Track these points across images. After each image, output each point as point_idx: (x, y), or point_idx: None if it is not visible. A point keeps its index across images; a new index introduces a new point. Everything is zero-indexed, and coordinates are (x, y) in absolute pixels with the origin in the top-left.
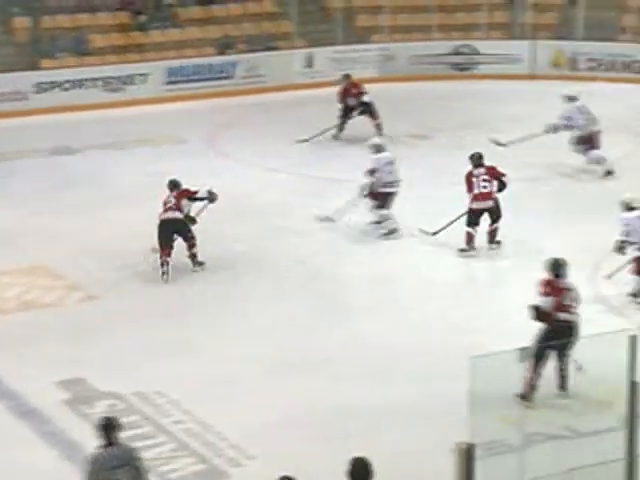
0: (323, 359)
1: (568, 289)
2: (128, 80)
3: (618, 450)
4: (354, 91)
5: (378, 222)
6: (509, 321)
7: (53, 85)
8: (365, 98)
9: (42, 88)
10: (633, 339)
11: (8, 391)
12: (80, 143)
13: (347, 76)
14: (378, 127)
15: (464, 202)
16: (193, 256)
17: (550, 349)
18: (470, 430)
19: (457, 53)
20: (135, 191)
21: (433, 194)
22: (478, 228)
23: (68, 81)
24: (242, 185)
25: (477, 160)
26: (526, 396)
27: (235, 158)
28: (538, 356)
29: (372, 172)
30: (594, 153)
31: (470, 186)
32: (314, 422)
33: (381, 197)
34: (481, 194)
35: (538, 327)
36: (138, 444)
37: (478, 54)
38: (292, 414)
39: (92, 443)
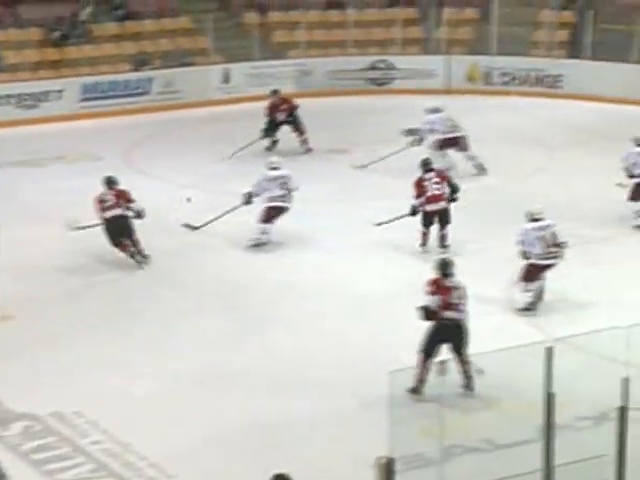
0: (241, 374)
1: (455, 288)
2: (43, 97)
3: (535, 461)
4: (284, 106)
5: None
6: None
7: None
8: (297, 112)
9: None
10: (549, 350)
11: None
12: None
13: (275, 91)
14: (304, 142)
15: (382, 215)
16: (139, 252)
17: (439, 346)
18: (390, 444)
19: (373, 68)
20: (50, 208)
21: (350, 208)
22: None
23: None
24: (159, 201)
25: (426, 165)
26: (416, 390)
27: (151, 175)
28: (426, 353)
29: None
30: (449, 159)
31: (422, 190)
32: (234, 438)
33: (265, 211)
34: (434, 196)
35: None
36: (56, 465)
37: (394, 69)
38: (211, 431)
39: (6, 464)
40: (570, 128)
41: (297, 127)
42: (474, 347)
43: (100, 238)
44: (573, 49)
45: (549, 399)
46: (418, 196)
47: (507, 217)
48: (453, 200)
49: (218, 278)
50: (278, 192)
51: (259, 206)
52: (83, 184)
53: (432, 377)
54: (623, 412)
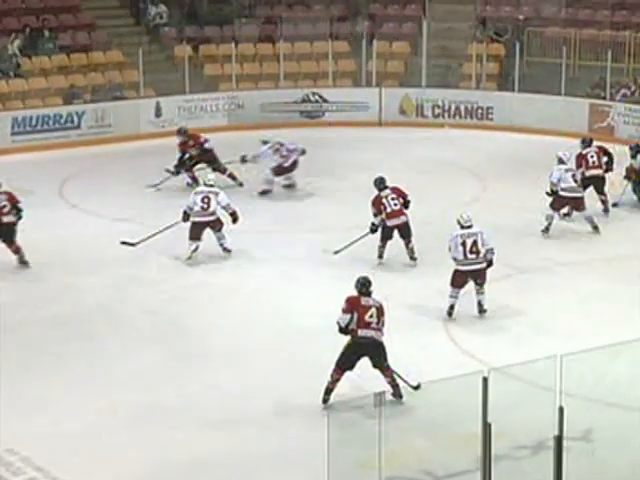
0: (179, 409)
1: (370, 306)
2: None
3: None
4: (192, 142)
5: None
6: (365, 366)
7: None
8: (206, 145)
9: None
10: (485, 380)
11: None
12: None
13: (182, 130)
14: (232, 177)
15: (316, 247)
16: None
17: (356, 361)
18: (329, 476)
19: (306, 101)
20: None
21: (285, 240)
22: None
23: None
24: (92, 236)
25: (381, 184)
26: (325, 400)
27: (84, 209)
28: (342, 367)
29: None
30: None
31: (380, 207)
32: (173, 474)
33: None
34: (394, 212)
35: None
36: None
37: (326, 102)
38: (149, 466)
39: None
40: (501, 159)
41: (213, 164)
42: (413, 376)
43: (26, 273)
44: (502, 81)
45: (486, 429)
46: (377, 213)
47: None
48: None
49: (153, 313)
50: (198, 207)
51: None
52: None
53: (370, 408)
54: (559, 441)
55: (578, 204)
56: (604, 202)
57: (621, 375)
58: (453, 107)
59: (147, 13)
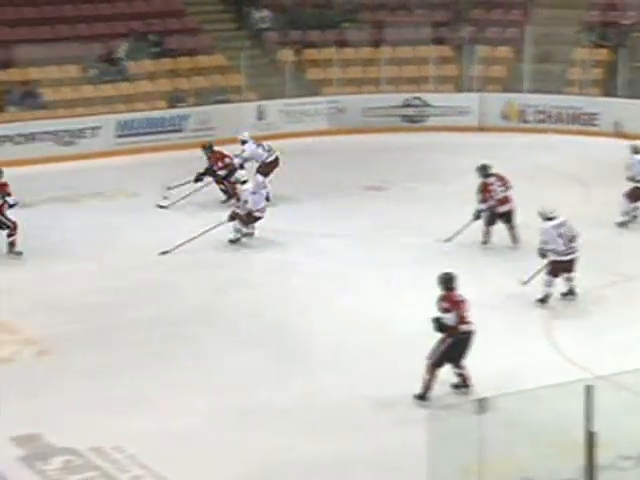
0: (281, 412)
1: (464, 301)
2: (79, 133)
3: None
4: (221, 164)
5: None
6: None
7: (4, 139)
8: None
9: None
10: (589, 389)
11: None
12: (31, 197)
13: (211, 145)
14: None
15: (420, 251)
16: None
17: (456, 357)
18: None
19: (407, 105)
20: (87, 245)
21: (384, 246)
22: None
23: (19, 135)
24: (197, 238)
25: (485, 170)
26: (423, 396)
27: (189, 211)
28: (439, 364)
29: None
30: (258, 178)
31: (489, 194)
32: (274, 477)
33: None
34: (503, 198)
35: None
36: None
37: (428, 106)
38: (251, 469)
39: None
40: (606, 165)
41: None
42: (514, 386)
43: (129, 274)
44: (607, 87)
45: (590, 438)
46: (485, 200)
47: None
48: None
49: (257, 316)
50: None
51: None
52: (119, 221)
53: (472, 414)
54: None
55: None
56: None
57: None
58: (556, 113)
59: (251, 17)
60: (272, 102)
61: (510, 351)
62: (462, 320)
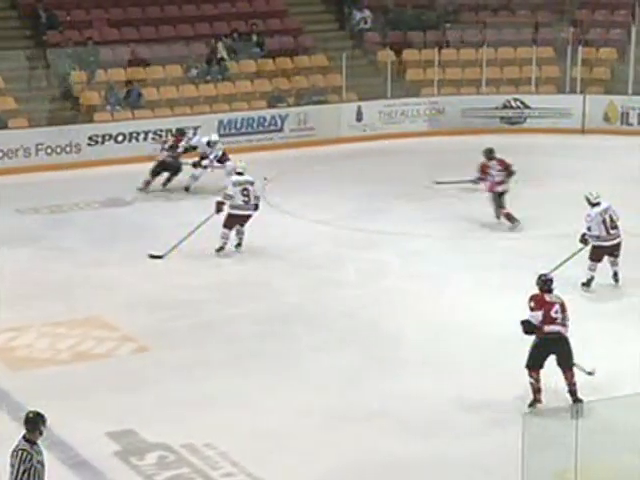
0: (373, 412)
1: (554, 302)
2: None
3: None
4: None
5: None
6: (561, 377)
7: (106, 138)
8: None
9: (95, 140)
10: None
11: (59, 442)
12: (132, 195)
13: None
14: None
15: (519, 256)
16: None
17: (545, 358)
18: None
19: (507, 107)
20: (187, 242)
21: (479, 248)
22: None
23: (121, 134)
24: (291, 237)
25: (490, 154)
26: (535, 402)
27: (284, 210)
28: (533, 366)
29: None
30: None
31: (486, 174)
32: (365, 477)
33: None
34: (502, 180)
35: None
36: None
37: (528, 108)
38: (342, 468)
39: None
40: None
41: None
42: (610, 391)
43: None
44: None
45: None
46: (481, 179)
47: None
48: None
49: (349, 316)
50: (240, 200)
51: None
52: (217, 218)
53: (568, 419)
54: None
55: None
56: None
57: None
58: None
59: (352, 18)
60: (372, 103)
61: (607, 356)
62: (547, 320)
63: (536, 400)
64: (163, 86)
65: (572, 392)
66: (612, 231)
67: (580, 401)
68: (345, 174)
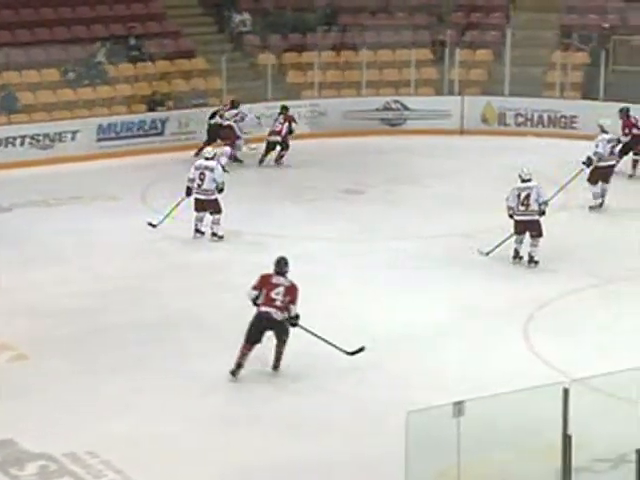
0: (260, 416)
1: (279, 285)
2: (57, 137)
3: None
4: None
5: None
6: (444, 375)
7: None
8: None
9: None
10: (566, 392)
11: None
12: (10, 201)
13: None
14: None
15: (403, 256)
16: None
17: (262, 334)
18: None
19: (387, 109)
20: (66, 249)
21: (364, 249)
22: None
23: None
24: (176, 241)
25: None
26: (234, 372)
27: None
28: (247, 340)
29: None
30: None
31: None
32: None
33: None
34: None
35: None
36: None
37: (408, 109)
38: (230, 472)
39: None
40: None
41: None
42: (492, 389)
43: (110, 278)
44: (587, 90)
45: (566, 441)
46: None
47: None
48: None
49: (236, 318)
50: (196, 183)
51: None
52: (100, 225)
53: (449, 418)
54: None
55: (608, 174)
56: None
57: None
58: (536, 116)
59: (231, 21)
60: (252, 106)
61: (487, 354)
62: (266, 300)
63: (234, 372)
64: (39, 90)
65: (277, 359)
66: (520, 207)
67: (276, 368)
68: (229, 175)
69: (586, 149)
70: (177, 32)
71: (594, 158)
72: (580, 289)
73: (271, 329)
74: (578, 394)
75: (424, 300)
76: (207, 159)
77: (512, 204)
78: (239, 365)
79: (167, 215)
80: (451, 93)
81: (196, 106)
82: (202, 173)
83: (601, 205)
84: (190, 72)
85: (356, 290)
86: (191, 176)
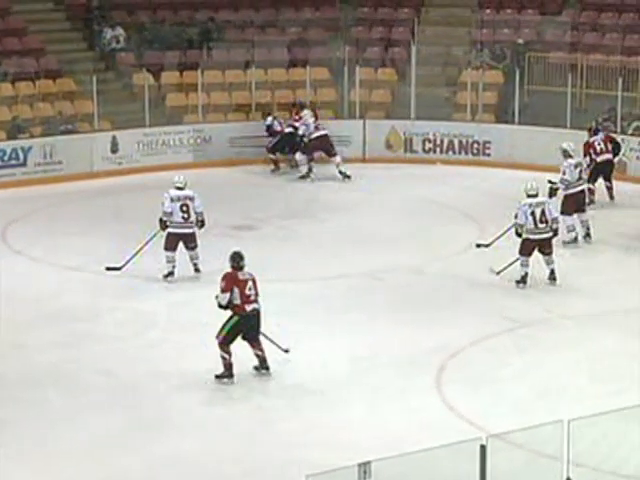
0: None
1: (247, 280)
2: None
3: None
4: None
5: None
6: (347, 432)
7: None
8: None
9: None
10: (483, 448)
11: None
12: None
13: None
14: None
15: (294, 300)
16: None
17: (240, 334)
18: None
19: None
20: None
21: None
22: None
23: None
24: (41, 286)
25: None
26: (227, 375)
27: (30, 256)
28: (229, 342)
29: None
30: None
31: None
32: None
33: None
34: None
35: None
36: None
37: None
38: None
39: None
40: (500, 198)
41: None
42: (402, 446)
43: None
44: (501, 112)
45: None
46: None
47: (434, 303)
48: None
49: (108, 373)
50: (179, 217)
51: None
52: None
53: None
54: None
55: (582, 201)
56: (610, 189)
57: (637, 443)
58: (446, 141)
59: (102, 37)
60: (128, 132)
61: (395, 408)
62: (245, 299)
63: (228, 375)
64: None
65: (263, 360)
66: (540, 225)
67: (267, 368)
68: (100, 212)
69: (501, 178)
70: (40, 49)
71: (561, 186)
72: (494, 334)
73: (258, 326)
74: (497, 451)
75: (323, 349)
76: (180, 188)
77: (523, 221)
78: (231, 366)
79: (134, 255)
80: (352, 116)
81: (64, 133)
82: (185, 205)
83: (576, 239)
84: (56, 94)
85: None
86: (168, 209)
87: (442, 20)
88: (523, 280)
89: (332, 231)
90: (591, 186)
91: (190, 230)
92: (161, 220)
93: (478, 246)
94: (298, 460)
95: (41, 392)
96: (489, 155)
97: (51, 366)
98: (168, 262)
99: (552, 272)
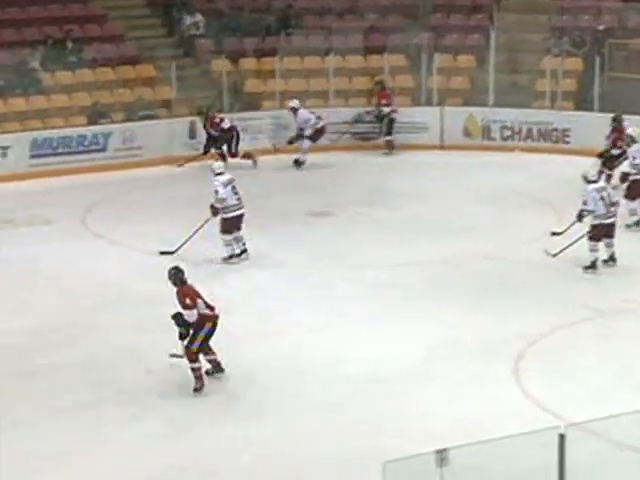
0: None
1: (197, 291)
2: None
3: None
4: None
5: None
6: (424, 420)
7: None
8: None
9: None
10: (562, 437)
11: None
12: None
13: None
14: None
15: (364, 287)
16: None
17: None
18: None
19: (358, 121)
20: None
21: (329, 278)
22: None
23: None
24: (121, 270)
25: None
26: (198, 389)
27: (110, 240)
28: (202, 350)
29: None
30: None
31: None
32: None
33: (225, 222)
34: None
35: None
36: None
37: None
38: None
39: None
40: (579, 186)
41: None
42: (480, 434)
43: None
44: (581, 100)
45: None
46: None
47: (512, 291)
48: None
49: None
50: (233, 199)
51: None
52: (34, 251)
53: (431, 468)
54: None
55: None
56: None
57: None
58: (525, 129)
59: (182, 23)
60: None
61: (472, 396)
62: (210, 306)
63: (202, 385)
64: None
65: (217, 364)
66: (612, 208)
67: (222, 370)
68: (177, 198)
69: (580, 165)
70: (120, 36)
71: (632, 171)
72: (574, 323)
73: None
74: (575, 440)
75: (399, 337)
76: (221, 174)
77: (593, 207)
78: (202, 376)
79: (187, 239)
80: (429, 103)
81: (143, 118)
82: (234, 186)
83: (638, 223)
84: (135, 80)
85: (319, 325)
86: (223, 195)
87: (522, 7)
88: (593, 265)
89: (408, 218)
90: None
91: (244, 211)
92: (212, 206)
93: (553, 234)
94: (374, 448)
95: (117, 374)
96: (568, 143)
97: (128, 349)
98: (227, 245)
99: (612, 255)
